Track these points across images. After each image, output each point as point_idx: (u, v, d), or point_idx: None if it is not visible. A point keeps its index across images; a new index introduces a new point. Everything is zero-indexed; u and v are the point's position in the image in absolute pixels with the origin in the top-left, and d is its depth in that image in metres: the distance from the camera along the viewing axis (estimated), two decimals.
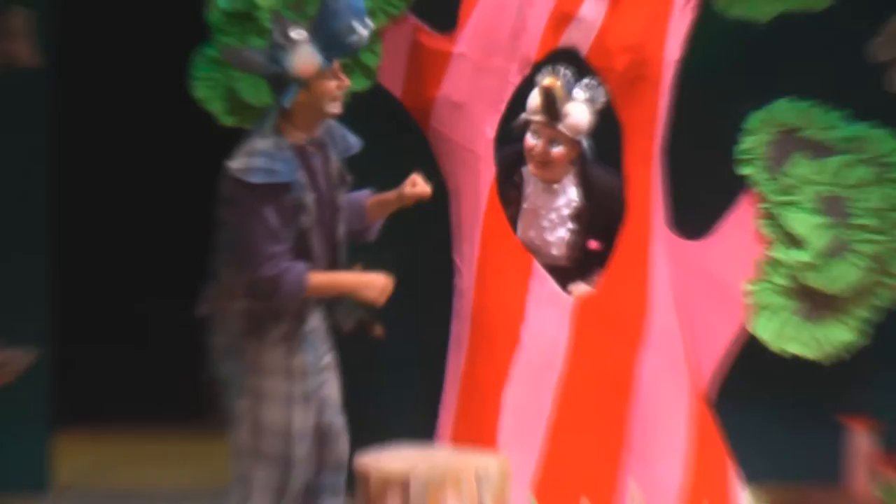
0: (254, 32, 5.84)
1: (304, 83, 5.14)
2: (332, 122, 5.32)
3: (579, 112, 5.84)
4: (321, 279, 5.21)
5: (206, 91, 5.98)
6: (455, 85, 5.96)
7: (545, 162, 5.86)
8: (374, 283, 5.23)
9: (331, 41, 5.21)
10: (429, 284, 6.14)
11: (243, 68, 5.37)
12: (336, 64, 5.21)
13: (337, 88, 5.20)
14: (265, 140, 5.15)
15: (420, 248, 6.12)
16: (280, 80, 5.17)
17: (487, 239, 5.98)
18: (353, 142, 5.41)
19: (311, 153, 5.20)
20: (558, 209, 5.95)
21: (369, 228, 5.46)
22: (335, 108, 5.24)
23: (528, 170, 5.94)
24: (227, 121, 5.97)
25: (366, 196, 5.44)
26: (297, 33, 5.13)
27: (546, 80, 5.82)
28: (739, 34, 6.30)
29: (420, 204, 5.48)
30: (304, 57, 5.15)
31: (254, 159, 5.12)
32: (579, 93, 5.87)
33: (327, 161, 5.28)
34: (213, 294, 5.25)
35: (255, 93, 5.87)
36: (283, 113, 5.17)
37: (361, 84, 5.90)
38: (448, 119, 5.98)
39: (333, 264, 5.27)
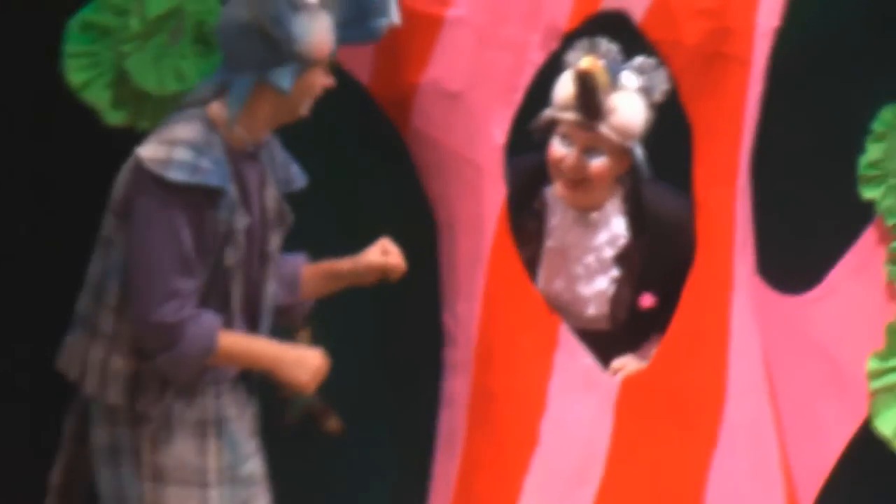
0: None
1: (307, 65, 3.94)
2: (274, 141, 4.16)
3: (631, 106, 4.38)
4: (236, 343, 4.02)
5: (83, 74, 4.43)
6: (449, 65, 4.49)
7: (580, 180, 4.41)
8: (305, 362, 4.04)
9: (352, 19, 4.06)
10: (407, 358, 4.79)
11: (261, 12, 3.94)
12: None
13: (324, 86, 4.03)
14: (191, 128, 3.93)
15: (396, 304, 4.71)
16: (276, 51, 3.91)
17: (494, 292, 4.56)
18: (297, 175, 4.22)
19: (248, 166, 4.01)
20: (598, 249, 4.51)
21: (299, 305, 4.34)
22: (306, 109, 4.05)
23: (554, 191, 4.48)
24: (115, 118, 4.44)
25: (300, 261, 4.33)
26: None
27: (584, 60, 4.36)
28: None
29: (396, 238, 4.15)
30: (322, 31, 3.94)
31: (175, 150, 3.91)
32: (630, 78, 4.42)
33: (264, 186, 4.08)
34: (80, 346, 4.06)
35: (157, 76, 4.37)
36: (221, 97, 3.92)
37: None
38: (438, 115, 4.51)
39: (252, 331, 4.12)
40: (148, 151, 3.84)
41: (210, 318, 3.96)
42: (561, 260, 4.47)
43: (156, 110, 4.35)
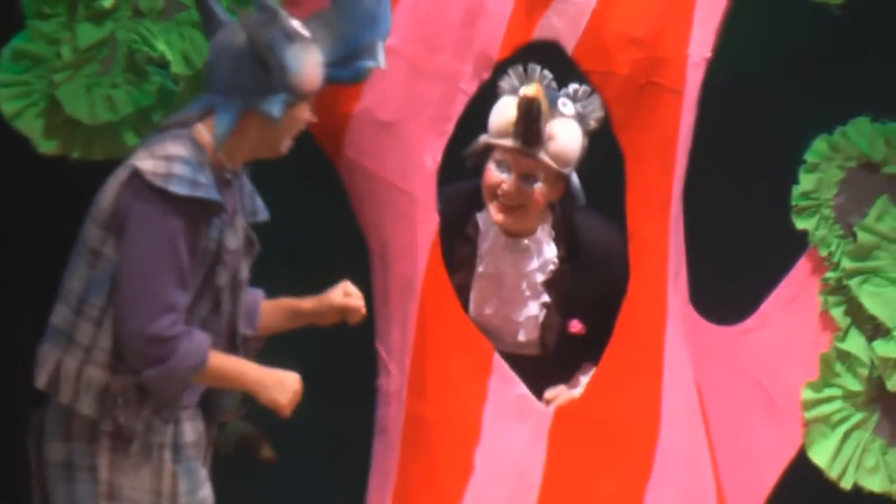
0: (85, 16, 4.26)
1: (296, 99, 3.90)
2: (243, 173, 4.10)
3: (568, 133, 4.32)
4: (222, 362, 3.94)
5: (15, 103, 4.37)
6: (381, 95, 4.42)
7: (517, 206, 4.32)
8: (285, 385, 3.98)
9: (344, 57, 4.03)
10: (339, 385, 4.70)
11: (253, 36, 3.87)
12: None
13: (305, 122, 4.00)
14: (182, 146, 3.87)
15: (331, 333, 4.43)
16: (265, 80, 3.86)
17: (427, 321, 4.48)
18: (261, 208, 4.16)
19: (225, 191, 3.96)
20: (529, 275, 4.44)
21: (254, 339, 4.24)
22: (286, 146, 3.99)
23: (487, 217, 4.40)
24: (47, 146, 4.38)
25: (259, 295, 4.25)
26: (302, 27, 3.91)
27: (528, 87, 4.29)
28: (798, 23, 4.77)
29: (328, 271, 4.11)
30: (314, 64, 3.92)
31: (174, 165, 3.86)
32: (566, 105, 4.34)
33: (235, 213, 4.03)
34: (54, 356, 3.93)
35: (88, 105, 4.31)
36: (206, 120, 3.88)
37: None
38: (371, 145, 4.43)
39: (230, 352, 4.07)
40: (148, 165, 3.78)
41: (201, 336, 3.91)
42: (492, 286, 4.40)
43: (88, 139, 4.33)
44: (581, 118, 4.30)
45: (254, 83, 3.85)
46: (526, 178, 4.30)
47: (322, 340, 4.58)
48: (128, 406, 3.88)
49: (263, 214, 4.18)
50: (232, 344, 4.05)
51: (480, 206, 4.39)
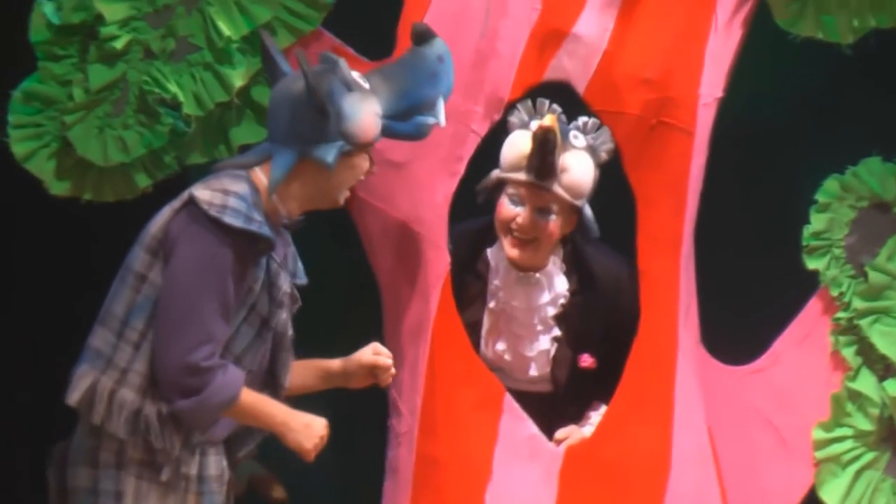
0: (97, 57, 4.23)
1: (352, 147, 3.90)
2: (288, 236, 4.12)
3: (581, 165, 4.28)
4: (254, 400, 3.92)
5: (27, 144, 4.34)
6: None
7: (531, 239, 4.28)
8: (312, 430, 3.96)
9: (403, 111, 4.02)
10: (352, 425, 4.62)
11: (312, 82, 3.83)
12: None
13: (364, 173, 4.01)
14: (239, 185, 3.88)
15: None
16: (321, 126, 3.87)
17: (438, 361, 4.43)
18: (301, 272, 4.14)
19: (278, 239, 3.96)
20: (541, 309, 4.39)
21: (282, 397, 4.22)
22: (343, 197, 4.01)
23: (497, 252, 4.36)
24: (59, 188, 4.36)
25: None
26: (361, 77, 3.94)
27: (545, 118, 4.25)
28: (810, 63, 4.69)
29: (340, 307, 4.36)
30: (371, 114, 3.92)
31: (230, 198, 3.85)
32: (577, 137, 4.31)
33: (283, 268, 4.02)
34: (90, 377, 3.88)
35: (100, 147, 4.28)
36: (263, 165, 3.89)
37: (252, 134, 4.33)
38: (382, 185, 4.40)
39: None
40: (205, 195, 3.78)
41: (236, 371, 3.88)
42: (503, 321, 4.37)
43: (99, 181, 4.31)
44: (592, 150, 4.28)
45: (311, 131, 3.86)
46: (540, 211, 4.27)
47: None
48: (159, 432, 3.85)
49: (302, 279, 4.15)
50: (276, 392, 4.00)
51: (490, 242, 4.37)
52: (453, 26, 4.35)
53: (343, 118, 3.89)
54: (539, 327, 4.40)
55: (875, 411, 4.48)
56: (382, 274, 4.43)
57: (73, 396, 3.88)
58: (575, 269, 4.38)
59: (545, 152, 4.20)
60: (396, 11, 4.43)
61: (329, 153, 3.87)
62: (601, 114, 4.39)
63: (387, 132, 4.02)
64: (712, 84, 4.41)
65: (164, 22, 4.23)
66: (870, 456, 4.50)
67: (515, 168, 4.26)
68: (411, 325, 4.41)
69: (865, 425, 4.47)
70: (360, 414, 4.44)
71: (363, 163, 3.98)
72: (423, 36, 4.04)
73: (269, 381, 4.05)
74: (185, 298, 3.85)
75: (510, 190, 4.29)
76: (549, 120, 4.24)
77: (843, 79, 4.70)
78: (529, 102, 4.37)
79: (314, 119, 3.89)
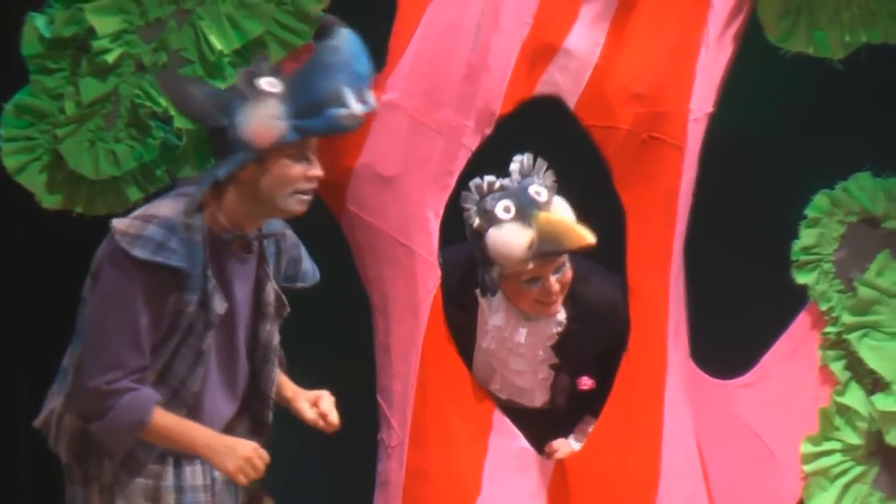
0: (89, 71, 4.16)
1: (256, 154, 3.81)
2: (288, 231, 4.08)
3: (563, 209, 4.21)
4: (172, 423, 3.84)
5: (19, 158, 4.26)
6: (383, 150, 4.32)
7: (555, 300, 4.23)
8: (235, 452, 3.83)
9: (309, 108, 3.85)
10: (342, 439, 4.32)
11: (184, 110, 4.03)
12: (312, 143, 3.86)
13: (301, 177, 3.85)
14: (173, 207, 3.83)
15: (332, 386, 4.24)
16: (224, 140, 3.82)
17: (429, 375, 4.38)
18: (310, 272, 4.09)
19: (233, 255, 3.89)
20: (545, 342, 4.31)
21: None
22: (294, 203, 3.87)
23: (498, 304, 4.27)
24: (50, 201, 4.30)
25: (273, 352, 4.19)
26: (268, 82, 3.82)
27: (545, 214, 4.17)
28: (800, 78, 4.62)
29: (331, 320, 4.31)
30: (264, 116, 3.79)
31: (146, 227, 3.79)
32: (541, 194, 4.19)
33: (261, 276, 3.96)
34: (55, 407, 3.93)
35: (91, 160, 4.22)
36: (217, 186, 3.82)
37: None
38: (373, 199, 4.35)
39: (253, 423, 3.98)
40: (122, 225, 3.76)
41: (147, 395, 3.81)
42: (500, 360, 4.31)
43: (91, 194, 4.27)
44: (553, 188, 4.20)
45: (219, 147, 3.83)
46: (556, 271, 4.21)
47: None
48: (98, 455, 3.84)
49: (311, 280, 4.09)
50: (258, 408, 3.96)
51: (479, 282, 4.23)
52: (444, 40, 4.32)
53: (237, 128, 3.80)
54: (542, 357, 4.34)
55: (863, 425, 4.46)
56: (373, 287, 4.38)
57: (38, 420, 3.91)
58: (570, 296, 4.32)
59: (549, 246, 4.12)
60: (389, 24, 4.38)
61: (223, 168, 3.80)
62: (591, 128, 4.36)
63: (301, 131, 3.84)
64: (703, 99, 4.37)
65: (155, 36, 4.18)
66: (858, 470, 4.47)
67: (521, 261, 4.12)
68: (401, 339, 4.36)
69: (854, 439, 4.45)
70: (351, 427, 4.31)
71: (289, 168, 3.83)
72: (322, 29, 4.06)
73: (255, 393, 3.96)
74: (97, 326, 3.84)
75: (525, 277, 4.17)
76: (542, 216, 4.12)
77: (833, 94, 4.66)
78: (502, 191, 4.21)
79: (217, 135, 3.86)
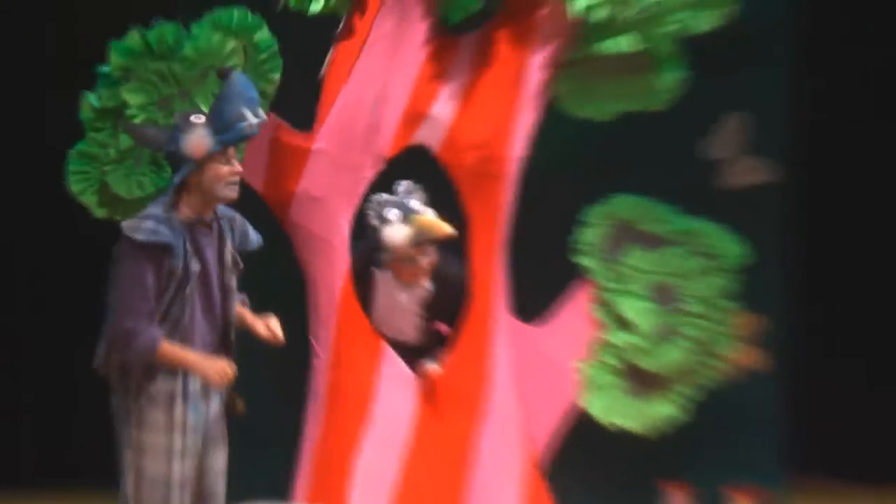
0: (124, 129, 6.11)
1: (196, 164, 5.38)
2: (236, 215, 5.61)
3: (431, 215, 6.16)
4: (170, 351, 5.47)
5: (79, 185, 6.29)
6: (314, 179, 6.30)
7: (423, 274, 6.18)
8: (214, 366, 5.49)
9: (223, 126, 5.43)
10: (290, 364, 6.39)
11: (143, 144, 5.85)
12: (231, 150, 5.42)
13: (229, 174, 5.44)
14: (157, 208, 5.47)
15: (285, 329, 5.97)
16: (177, 160, 5.45)
17: (342, 324, 6.39)
18: (254, 239, 5.67)
19: (200, 231, 5.48)
20: (411, 301, 6.31)
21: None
22: (229, 191, 5.45)
23: (385, 273, 6.24)
24: (100, 213, 6.30)
25: (239, 299, 5.66)
26: (196, 117, 5.42)
27: (420, 217, 6.11)
28: (582, 132, 6.57)
29: (282, 289, 5.91)
30: (197, 138, 5.38)
31: (143, 221, 5.42)
32: (391, 212, 6.17)
33: (221, 244, 5.55)
34: (102, 348, 5.53)
35: (126, 186, 6.24)
36: (179, 190, 5.43)
37: None
38: (306, 212, 6.34)
39: (222, 344, 5.53)
40: (127, 223, 5.44)
41: (154, 333, 5.40)
42: (389, 316, 6.26)
43: (126, 208, 6.16)
44: (423, 201, 6.14)
45: (174, 164, 5.42)
46: (425, 254, 6.11)
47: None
48: (129, 373, 5.41)
49: (255, 244, 5.64)
50: (223, 333, 5.54)
51: (375, 263, 6.21)
52: (353, 109, 6.28)
53: (182, 149, 5.36)
54: (411, 312, 6.30)
55: (616, 351, 6.46)
56: (307, 267, 6.37)
57: (95, 361, 5.46)
58: (433, 272, 6.24)
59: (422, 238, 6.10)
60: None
61: (178, 177, 5.37)
62: (448, 166, 6.32)
63: (221, 143, 5.32)
64: (519, 146, 6.36)
65: (167, 106, 6.14)
66: (615, 380, 6.47)
67: (403, 248, 6.05)
68: (325, 300, 6.35)
69: (611, 361, 6.47)
70: (295, 357, 6.20)
71: (219, 169, 5.35)
72: (223, 75, 5.55)
73: (223, 320, 5.55)
74: (119, 289, 5.39)
75: (404, 258, 6.15)
76: (422, 220, 6.08)
77: (606, 141, 6.58)
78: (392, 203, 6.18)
79: (171, 157, 5.41)
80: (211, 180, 5.44)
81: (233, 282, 5.61)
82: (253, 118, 5.46)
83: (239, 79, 5.55)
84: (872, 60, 8.39)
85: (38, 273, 7.89)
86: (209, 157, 5.39)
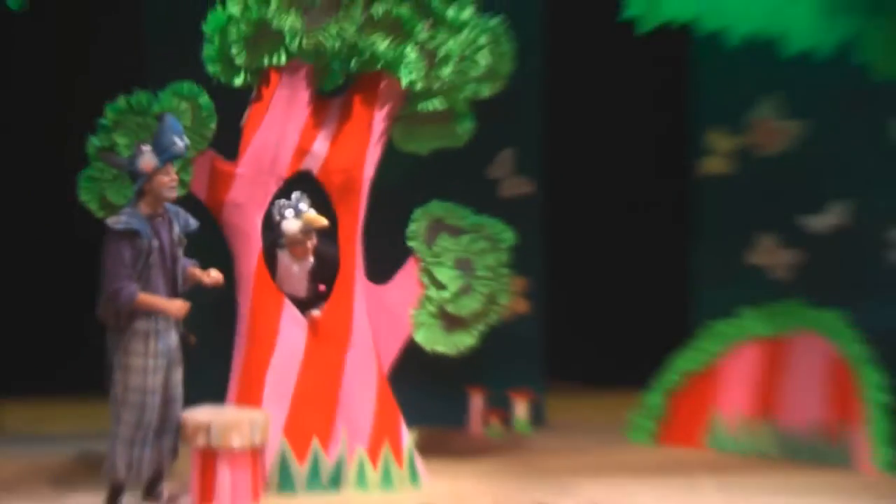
0: (115, 155, 9.07)
1: (147, 177, 8.26)
2: (179, 209, 8.52)
3: (314, 213, 9.17)
4: (145, 300, 8.41)
5: (86, 195, 9.19)
6: (237, 192, 9.24)
7: (309, 252, 9.13)
8: (172, 305, 8.50)
9: (162, 150, 8.36)
10: (224, 312, 9.42)
11: (113, 166, 8.63)
12: (168, 166, 8.28)
13: (169, 181, 8.39)
14: (128, 209, 8.37)
15: (225, 290, 9.08)
16: (135, 175, 8.31)
17: (257, 286, 9.29)
18: (192, 223, 8.74)
19: (157, 221, 8.41)
20: (302, 270, 9.27)
21: (184, 282, 8.73)
22: (171, 193, 8.42)
23: (286, 254, 9.18)
24: (99, 214, 9.15)
25: (191, 263, 8.67)
26: (145, 146, 8.29)
27: (306, 214, 9.04)
28: (410, 161, 9.67)
29: (219, 263, 8.82)
30: (145, 159, 8.40)
31: (120, 216, 8.36)
32: (289, 210, 9.17)
33: (171, 229, 8.50)
34: (101, 302, 8.34)
35: (117, 196, 9.14)
36: (138, 195, 8.29)
37: (182, 191, 8.96)
38: (233, 213, 9.23)
39: (174, 293, 8.46)
40: (110, 219, 8.41)
41: (132, 288, 8.26)
42: (287, 280, 9.17)
43: (114, 211, 8.86)
44: (308, 204, 9.07)
45: (134, 179, 8.34)
46: (310, 238, 9.04)
47: (220, 294, 8.95)
48: (118, 316, 8.26)
49: (193, 226, 8.53)
50: (175, 287, 8.38)
51: (279, 246, 9.14)
52: (263, 147, 9.08)
53: (138, 168, 8.19)
54: (301, 277, 9.20)
55: (434, 303, 9.42)
56: (233, 251, 9.24)
57: (97, 312, 8.36)
58: (315, 252, 9.19)
59: (308, 229, 9.05)
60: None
61: (136, 186, 8.25)
62: (323, 184, 9.20)
63: (162, 161, 8.13)
64: (369, 171, 9.28)
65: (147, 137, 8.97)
66: (432, 321, 9.42)
67: (295, 234, 8.96)
68: (246, 270, 9.24)
69: (431, 308, 9.43)
70: (230, 308, 9.21)
71: (163, 179, 8.20)
72: (157, 118, 8.36)
73: (173, 278, 8.36)
74: (107, 264, 8.25)
75: (299, 238, 9.03)
76: (309, 215, 8.97)
77: (425, 167, 9.67)
78: (294, 205, 9.07)
79: (133, 174, 8.19)
80: (158, 187, 8.38)
81: (179, 252, 8.56)
82: (181, 143, 8.33)
83: (169, 118, 8.41)
84: (601, 110, 11.89)
85: (62, 250, 10.97)
86: (155, 171, 8.24)
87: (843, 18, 8.06)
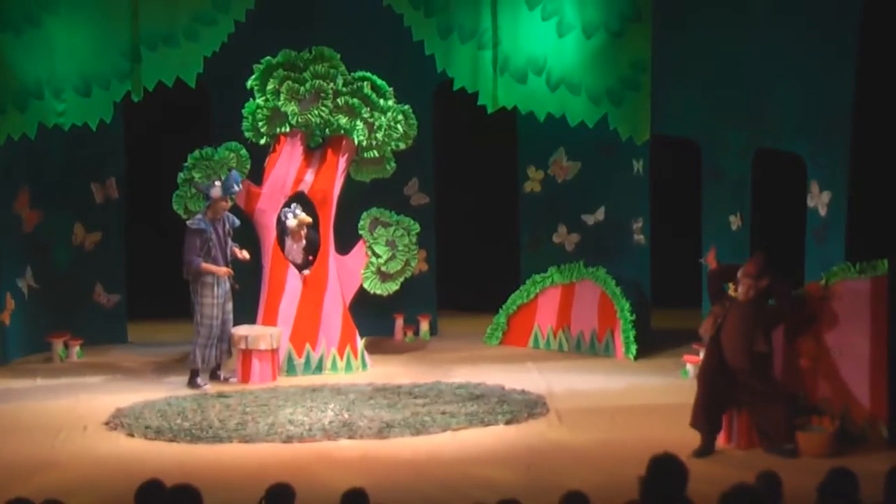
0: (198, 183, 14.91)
1: (213, 200, 14.30)
2: (229, 214, 14.57)
3: (306, 217, 15.03)
4: (207, 266, 14.68)
5: (176, 205, 15.48)
6: (262, 203, 15.49)
7: (305, 237, 15.35)
8: (221, 270, 14.80)
9: (226, 189, 14.66)
10: (257, 271, 15.69)
11: (197, 190, 14.91)
12: (227, 198, 14.57)
13: (225, 205, 14.59)
14: (199, 215, 14.63)
15: (256, 258, 15.47)
16: (207, 197, 14.59)
17: (273, 257, 15.62)
18: (236, 222, 15.12)
19: (216, 222, 14.79)
20: (299, 248, 15.21)
21: (231, 256, 15.25)
22: (225, 208, 14.65)
23: (291, 242, 15.26)
24: (185, 216, 15.36)
25: (235, 245, 15.13)
26: (216, 183, 14.60)
27: (300, 216, 15.06)
28: (360, 186, 15.85)
29: (253, 244, 14.52)
30: (215, 190, 14.71)
31: (194, 220, 14.60)
32: (288, 217, 15.38)
33: (224, 226, 14.88)
34: (184, 267, 14.72)
35: (194, 206, 15.42)
36: (207, 208, 14.53)
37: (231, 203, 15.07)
38: (260, 216, 15.61)
39: (225, 263, 14.79)
40: (189, 221, 14.74)
41: (198, 261, 14.34)
42: (290, 253, 15.49)
43: (192, 215, 15.02)
44: (301, 210, 15.36)
45: (205, 198, 14.76)
46: (304, 228, 15.35)
47: (255, 260, 15.27)
48: (195, 276, 14.71)
49: (236, 224, 14.76)
50: (226, 259, 14.72)
51: (285, 233, 15.49)
52: (276, 179, 15.34)
53: (210, 194, 14.26)
54: (299, 253, 15.51)
55: (374, 266, 15.75)
56: (260, 239, 15.47)
57: (184, 274, 14.81)
58: (307, 238, 15.50)
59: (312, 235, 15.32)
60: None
61: (206, 203, 14.30)
62: (311, 199, 15.53)
63: (224, 195, 14.20)
64: (337, 190, 15.61)
65: (210, 179, 14.92)
66: (373, 276, 15.72)
67: (295, 227, 15.26)
68: (266, 248, 15.47)
69: (372, 269, 15.79)
70: (258, 270, 15.25)
71: (223, 203, 14.31)
72: (229, 170, 14.68)
73: (224, 255, 14.63)
74: (185, 247, 14.23)
75: (296, 230, 15.32)
76: (304, 219, 15.22)
77: (366, 190, 15.89)
78: (292, 210, 15.31)
79: (205, 195, 14.47)
80: (218, 207, 14.52)
81: (228, 239, 14.69)
82: (237, 188, 14.49)
83: (234, 172, 14.60)
84: (469, 156, 17.96)
85: (171, 234, 16.86)
86: (219, 199, 14.50)
87: (601, 105, 14.10)
